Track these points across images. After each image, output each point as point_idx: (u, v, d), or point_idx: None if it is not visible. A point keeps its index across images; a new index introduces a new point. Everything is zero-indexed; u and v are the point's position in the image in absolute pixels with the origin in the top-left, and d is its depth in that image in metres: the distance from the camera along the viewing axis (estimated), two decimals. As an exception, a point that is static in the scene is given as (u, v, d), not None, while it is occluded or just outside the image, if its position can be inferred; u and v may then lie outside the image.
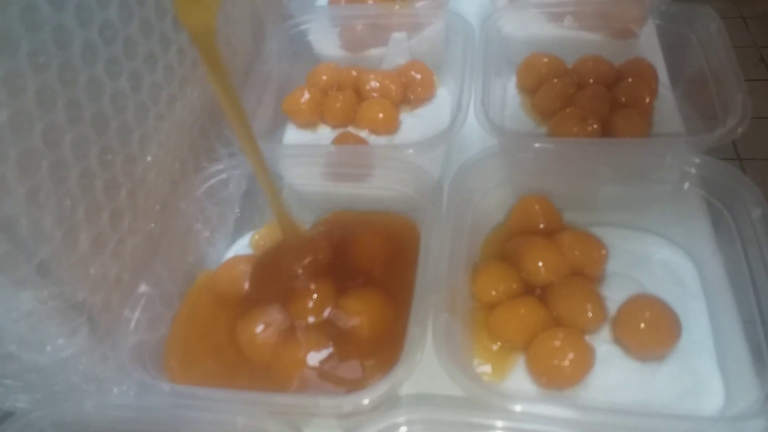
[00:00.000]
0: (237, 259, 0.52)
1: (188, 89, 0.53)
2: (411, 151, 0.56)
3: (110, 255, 0.45)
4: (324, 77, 0.67)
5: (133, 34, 0.46)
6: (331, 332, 0.48)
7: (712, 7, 0.62)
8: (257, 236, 0.57)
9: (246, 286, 0.51)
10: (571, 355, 0.44)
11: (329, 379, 0.47)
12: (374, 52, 0.72)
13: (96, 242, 0.44)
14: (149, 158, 0.49)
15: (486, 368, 0.48)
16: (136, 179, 0.48)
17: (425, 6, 0.69)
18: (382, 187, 0.57)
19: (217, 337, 0.50)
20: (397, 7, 0.68)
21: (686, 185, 0.52)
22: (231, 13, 0.59)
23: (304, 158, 0.59)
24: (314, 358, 0.47)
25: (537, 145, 0.55)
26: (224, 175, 0.55)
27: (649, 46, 0.68)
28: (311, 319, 0.49)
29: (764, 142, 1.51)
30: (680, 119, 0.61)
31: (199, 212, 0.54)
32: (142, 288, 0.48)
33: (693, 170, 0.52)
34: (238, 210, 0.58)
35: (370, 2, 0.73)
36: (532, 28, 0.70)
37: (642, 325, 0.46)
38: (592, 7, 0.68)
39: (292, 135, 0.65)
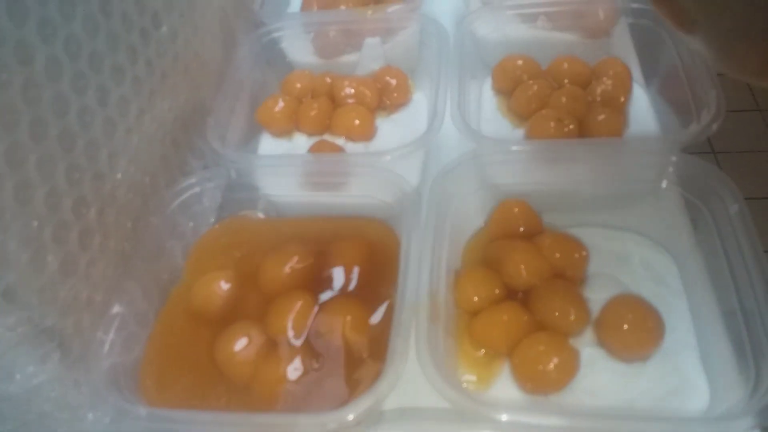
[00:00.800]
0: (213, 274, 0.51)
1: (157, 101, 0.52)
2: (388, 157, 0.55)
3: (80, 276, 0.44)
4: (298, 85, 0.66)
5: (99, 47, 0.44)
6: (312, 346, 0.47)
7: (683, 4, 0.62)
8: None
9: (223, 302, 0.50)
10: (555, 360, 0.44)
11: (312, 395, 0.46)
12: (348, 58, 0.71)
13: (65, 264, 0.42)
14: (119, 174, 0.47)
15: (471, 376, 0.47)
16: (105, 197, 0.46)
17: (398, 10, 0.68)
18: (360, 195, 0.56)
19: (195, 356, 0.48)
20: (369, 12, 0.68)
21: (664, 183, 0.52)
22: (199, 23, 0.58)
23: (281, 168, 0.58)
24: (296, 374, 0.46)
25: (514, 148, 0.55)
26: (197, 189, 0.54)
27: (622, 44, 0.68)
28: (291, 334, 0.48)
29: (738, 135, 1.53)
30: (656, 117, 0.61)
31: (173, 228, 0.53)
32: (115, 309, 0.47)
33: (670, 168, 0.52)
34: (214, 223, 0.57)
35: (343, 8, 0.72)
36: (506, 29, 0.69)
37: (625, 326, 0.46)
38: (565, 7, 0.68)
39: (268, 144, 0.64)
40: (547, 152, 0.54)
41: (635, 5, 0.65)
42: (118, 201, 0.48)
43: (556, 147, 0.55)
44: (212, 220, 0.56)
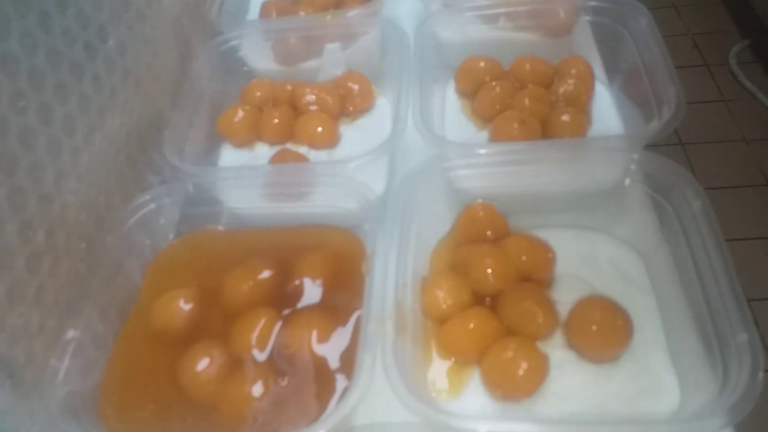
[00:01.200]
0: (173, 293, 0.49)
1: (108, 118, 0.50)
2: (352, 165, 0.54)
3: (30, 302, 0.42)
4: (258, 93, 0.65)
5: (39, 64, 0.43)
6: (278, 363, 0.46)
7: (642, 1, 0.62)
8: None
9: (184, 321, 0.48)
10: (524, 366, 0.43)
11: (279, 413, 0.44)
12: (310, 64, 0.70)
13: (12, 291, 0.40)
14: (68, 195, 0.45)
15: (443, 385, 0.46)
16: (54, 218, 0.44)
17: (357, 15, 0.67)
18: (324, 204, 0.55)
19: (157, 379, 0.47)
20: (328, 17, 0.67)
21: (627, 181, 0.52)
22: (150, 35, 0.56)
23: (241, 180, 0.57)
24: (262, 392, 0.45)
25: (477, 151, 0.54)
26: (152, 206, 0.52)
27: (583, 43, 0.68)
28: (256, 352, 0.46)
29: (704, 126, 1.55)
30: (619, 115, 0.61)
31: (130, 247, 0.51)
32: (70, 333, 0.45)
33: (632, 166, 0.52)
34: (174, 239, 0.55)
35: (302, 14, 0.71)
36: (467, 31, 0.69)
37: (593, 328, 0.46)
38: (525, 7, 0.67)
39: (229, 156, 0.63)
40: (510, 154, 0.54)
41: (594, 3, 0.65)
42: (68, 222, 0.46)
43: (520, 149, 0.54)
44: (171, 236, 0.54)
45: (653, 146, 0.52)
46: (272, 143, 0.63)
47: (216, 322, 0.49)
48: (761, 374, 0.37)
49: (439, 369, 0.47)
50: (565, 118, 0.58)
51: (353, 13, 0.68)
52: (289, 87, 0.65)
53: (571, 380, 0.45)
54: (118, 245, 0.50)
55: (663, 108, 0.54)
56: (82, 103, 0.47)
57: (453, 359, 0.47)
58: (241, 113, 0.62)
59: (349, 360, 0.44)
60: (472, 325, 0.46)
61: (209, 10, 0.70)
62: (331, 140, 0.62)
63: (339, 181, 0.53)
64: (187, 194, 0.55)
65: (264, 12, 0.74)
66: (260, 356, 0.46)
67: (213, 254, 0.53)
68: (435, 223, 0.55)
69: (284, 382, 0.45)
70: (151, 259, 0.53)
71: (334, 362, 0.46)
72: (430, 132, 0.55)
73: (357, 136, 0.64)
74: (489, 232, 0.52)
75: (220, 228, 0.56)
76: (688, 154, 1.49)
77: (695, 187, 0.47)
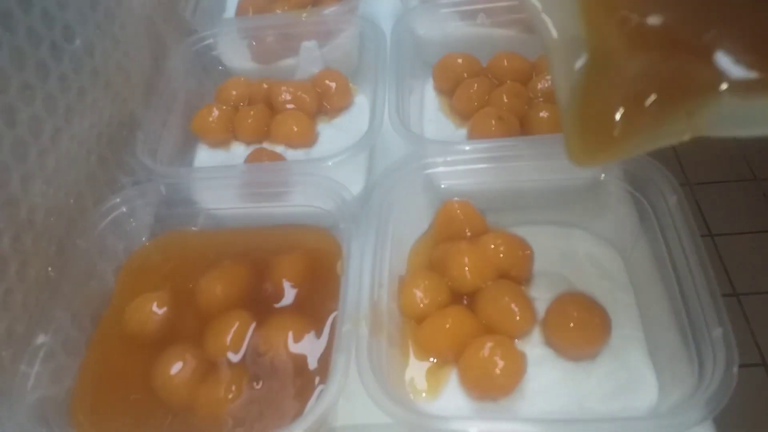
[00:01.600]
0: (146, 296, 0.49)
1: (76, 119, 0.49)
2: (329, 163, 0.54)
3: (-4, 308, 0.41)
4: (234, 92, 0.64)
5: (3, 65, 0.42)
6: (253, 366, 0.45)
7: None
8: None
9: (158, 324, 0.48)
10: (501, 364, 0.43)
11: (255, 416, 0.44)
12: (286, 62, 0.69)
13: (-24, 296, 0.39)
14: (35, 198, 0.44)
15: (421, 385, 0.46)
16: (20, 222, 0.43)
17: (334, 12, 0.67)
18: (300, 204, 0.54)
19: (130, 383, 0.46)
20: (304, 15, 0.66)
21: (602, 176, 0.52)
22: (120, 34, 0.55)
23: (217, 180, 0.56)
24: (237, 395, 0.44)
25: (455, 148, 0.53)
26: (124, 208, 0.51)
27: (562, 38, 0.68)
28: (231, 354, 0.46)
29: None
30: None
31: (102, 250, 0.50)
32: (40, 339, 0.44)
33: (608, 161, 0.51)
34: (147, 241, 0.54)
35: (278, 12, 0.70)
36: (445, 27, 0.68)
37: (571, 325, 0.45)
38: (503, 2, 0.67)
39: (204, 156, 0.62)
40: (488, 151, 0.53)
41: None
42: (36, 226, 0.45)
43: (498, 146, 0.54)
44: (145, 239, 0.53)
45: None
46: (248, 143, 0.62)
47: (190, 325, 0.48)
48: (736, 368, 0.37)
49: (416, 369, 0.46)
50: (543, 114, 0.58)
51: (330, 10, 0.67)
52: (265, 85, 0.64)
53: (549, 378, 0.45)
54: (90, 248, 0.49)
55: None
56: (48, 103, 0.46)
57: (431, 359, 0.46)
58: (216, 112, 0.61)
59: (325, 361, 0.44)
60: (449, 325, 0.45)
61: (184, 8, 0.69)
62: (308, 139, 0.62)
63: (315, 181, 0.53)
64: (162, 196, 0.54)
65: (240, 10, 0.73)
66: (235, 359, 0.46)
67: (186, 256, 0.53)
68: (413, 221, 0.55)
69: (260, 385, 0.45)
70: (123, 261, 0.52)
71: (310, 364, 0.45)
72: (407, 130, 0.54)
73: (335, 135, 0.63)
74: (467, 230, 0.52)
75: (194, 229, 0.55)
76: (675, 148, 1.49)
77: (671, 182, 0.47)
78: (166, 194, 0.54)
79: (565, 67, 0.35)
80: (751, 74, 0.30)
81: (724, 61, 0.30)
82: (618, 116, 0.33)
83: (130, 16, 0.57)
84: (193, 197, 0.56)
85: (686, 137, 0.32)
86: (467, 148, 0.53)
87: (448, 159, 0.53)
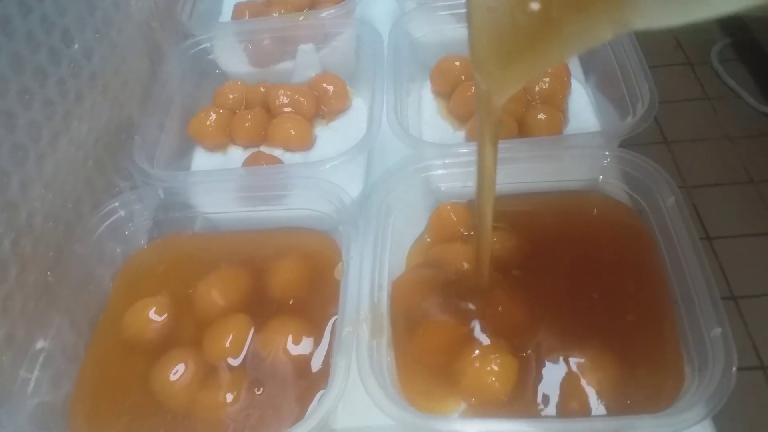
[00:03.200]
0: (145, 301, 0.48)
1: (74, 123, 0.49)
2: (328, 166, 0.54)
3: (-4, 313, 0.41)
4: (231, 96, 0.64)
5: (2, 70, 0.42)
6: (253, 370, 0.45)
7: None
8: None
9: (157, 329, 0.48)
10: (494, 370, 0.43)
11: (256, 420, 0.44)
12: (284, 66, 0.69)
13: (-25, 301, 0.39)
14: (34, 202, 0.44)
15: (421, 386, 0.45)
16: (19, 227, 0.43)
17: (331, 15, 0.67)
18: (299, 207, 0.54)
19: (129, 388, 0.46)
20: (301, 18, 0.66)
21: (600, 178, 0.52)
22: (118, 39, 0.55)
23: (215, 184, 0.56)
24: (236, 399, 0.44)
25: (452, 150, 0.54)
26: (123, 212, 0.51)
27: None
28: (230, 358, 0.46)
29: (688, 124, 1.56)
30: (595, 113, 0.61)
31: (100, 254, 0.50)
32: (40, 344, 0.44)
33: (605, 162, 0.52)
34: (145, 245, 0.54)
35: (275, 15, 0.70)
36: (443, 30, 0.69)
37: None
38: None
39: (201, 160, 0.62)
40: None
41: None
42: (35, 230, 0.45)
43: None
44: (143, 243, 0.53)
45: (637, 145, 0.52)
46: (246, 146, 0.62)
47: (189, 329, 0.48)
48: (735, 368, 0.37)
49: (416, 370, 0.46)
50: (541, 116, 0.58)
51: (327, 13, 0.67)
52: (262, 89, 0.64)
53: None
54: (88, 253, 0.49)
55: (637, 105, 0.54)
56: (46, 109, 0.46)
57: (428, 362, 0.46)
58: (213, 116, 0.61)
59: (326, 365, 0.44)
60: (443, 329, 0.45)
61: (180, 12, 0.69)
62: (305, 142, 0.61)
63: (313, 184, 0.53)
64: (160, 200, 0.54)
65: (237, 13, 0.73)
66: (235, 363, 0.46)
67: (184, 260, 0.52)
68: (411, 223, 0.55)
69: (260, 389, 0.45)
70: (121, 266, 0.52)
71: (310, 367, 0.45)
72: (405, 133, 0.54)
73: (332, 138, 0.63)
74: (462, 231, 0.52)
75: (192, 233, 0.55)
76: (673, 152, 1.50)
77: (669, 184, 0.48)
78: (164, 198, 0.54)
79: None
80: None
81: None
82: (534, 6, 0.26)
83: (127, 20, 0.57)
84: (191, 201, 0.56)
85: (609, 35, 0.27)
86: (465, 150, 0.54)
87: (447, 161, 0.54)
